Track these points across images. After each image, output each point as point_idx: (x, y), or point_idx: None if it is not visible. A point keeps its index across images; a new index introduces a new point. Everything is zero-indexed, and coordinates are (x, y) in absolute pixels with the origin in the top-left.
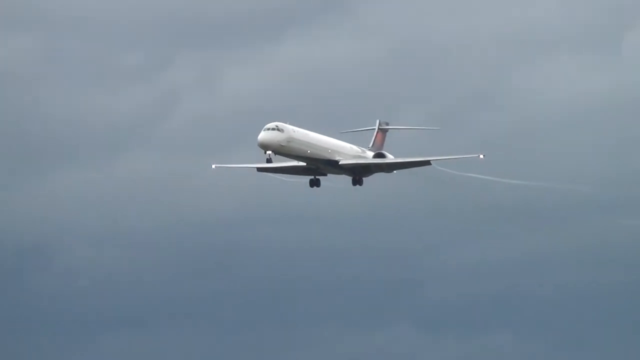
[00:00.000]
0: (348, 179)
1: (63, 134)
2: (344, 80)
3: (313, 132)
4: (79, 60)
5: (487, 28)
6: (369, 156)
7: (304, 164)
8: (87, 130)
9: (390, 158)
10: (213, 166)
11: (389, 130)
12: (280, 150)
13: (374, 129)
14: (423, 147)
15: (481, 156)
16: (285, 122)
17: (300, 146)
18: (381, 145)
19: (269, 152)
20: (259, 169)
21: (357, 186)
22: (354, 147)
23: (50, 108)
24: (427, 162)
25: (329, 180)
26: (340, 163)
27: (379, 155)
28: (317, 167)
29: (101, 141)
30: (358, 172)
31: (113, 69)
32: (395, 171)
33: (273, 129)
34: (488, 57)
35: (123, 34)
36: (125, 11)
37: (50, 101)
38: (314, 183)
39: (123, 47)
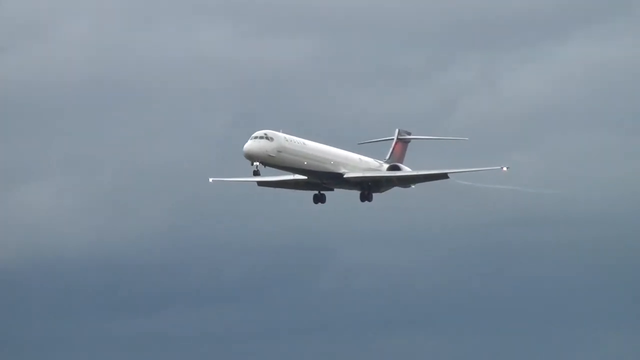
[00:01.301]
0: (356, 194)
1: (345, 134)
2: (628, 82)
3: (312, 142)
4: (360, 61)
5: None
6: (384, 169)
7: (304, 177)
8: (368, 131)
9: (405, 171)
10: (210, 180)
11: (411, 140)
12: (270, 162)
13: (392, 139)
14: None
15: (504, 169)
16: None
17: (295, 157)
18: (400, 157)
19: (256, 163)
20: (260, 183)
21: (366, 202)
22: (367, 159)
23: (333, 109)
24: (444, 176)
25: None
26: (345, 176)
27: (393, 167)
28: (321, 180)
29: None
30: (368, 187)
31: (394, 70)
32: (413, 186)
33: (261, 138)
34: None
35: (404, 35)
36: (406, 12)
37: (333, 102)
38: (319, 199)
39: (404, 48)
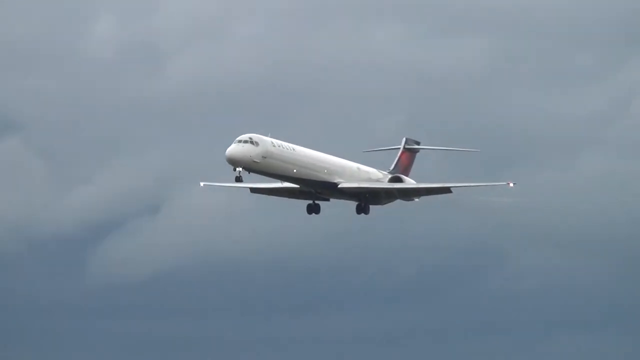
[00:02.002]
0: (353, 205)
1: (524, 134)
2: None
3: (304, 148)
4: (531, 60)
5: None
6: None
7: (297, 186)
8: (543, 130)
9: (407, 183)
10: (201, 184)
11: (419, 150)
12: (255, 168)
13: (399, 148)
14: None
15: (511, 184)
16: None
17: (283, 164)
18: (406, 168)
19: (239, 169)
20: (252, 190)
21: (363, 215)
22: (367, 169)
23: (505, 109)
24: (447, 190)
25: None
26: (339, 186)
27: (395, 179)
28: (314, 190)
29: (557, 141)
30: (365, 198)
31: (566, 69)
32: (416, 199)
33: (246, 142)
34: None
35: (576, 33)
36: (577, 10)
37: (504, 102)
38: (312, 209)
39: (576, 47)
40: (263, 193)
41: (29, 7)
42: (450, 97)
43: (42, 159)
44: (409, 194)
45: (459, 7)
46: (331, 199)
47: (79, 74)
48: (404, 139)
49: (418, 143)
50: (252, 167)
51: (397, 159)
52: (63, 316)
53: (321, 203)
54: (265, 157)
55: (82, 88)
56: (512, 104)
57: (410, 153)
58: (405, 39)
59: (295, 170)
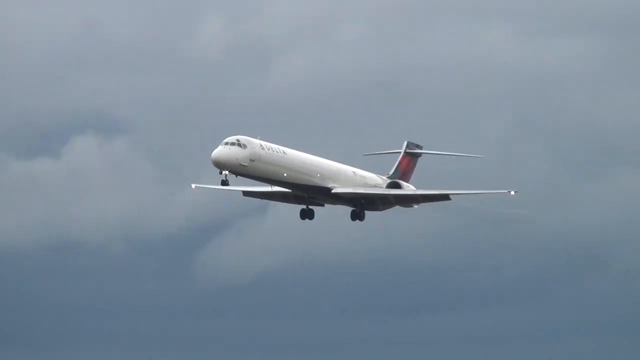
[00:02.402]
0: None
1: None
2: None
3: (296, 151)
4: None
5: None
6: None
7: (289, 190)
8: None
9: (405, 189)
10: (193, 186)
11: (421, 155)
12: (242, 172)
13: (399, 152)
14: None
15: (512, 192)
16: None
17: (272, 167)
18: (407, 174)
19: (225, 172)
20: (245, 193)
21: (357, 221)
22: (364, 174)
23: (613, 109)
24: (446, 197)
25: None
26: (333, 192)
27: (393, 184)
28: (307, 195)
29: None
30: (360, 204)
31: None
32: (415, 206)
33: (233, 144)
34: None
35: None
36: None
37: (613, 103)
38: (306, 214)
39: None
40: (256, 197)
41: (136, 9)
42: (559, 97)
43: (150, 161)
44: (405, 201)
45: (568, 7)
46: (326, 205)
47: (186, 75)
48: (405, 143)
49: (420, 147)
50: (240, 170)
51: (397, 163)
52: (172, 317)
53: (315, 208)
54: (253, 160)
55: (189, 89)
56: (620, 105)
57: (411, 157)
58: (513, 39)
59: (285, 174)
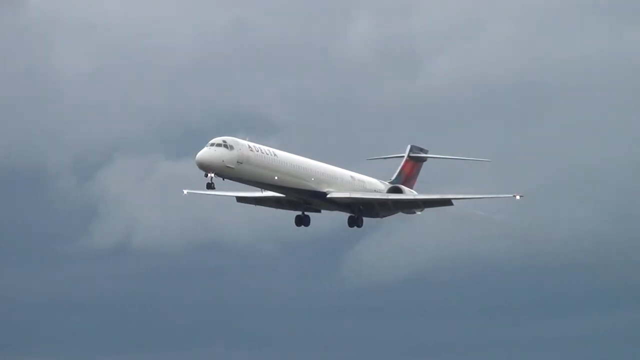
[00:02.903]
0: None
1: None
2: None
3: (288, 154)
4: None
5: None
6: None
7: (282, 195)
8: None
9: (407, 194)
10: (185, 192)
11: (426, 160)
12: (229, 174)
13: (403, 156)
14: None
15: (517, 197)
16: None
17: (261, 170)
18: (410, 179)
19: (210, 175)
20: (239, 199)
21: (355, 228)
22: (363, 178)
23: None
24: (449, 202)
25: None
26: (328, 196)
27: (394, 189)
28: (301, 200)
29: None
30: (359, 210)
31: None
32: (419, 212)
33: (218, 145)
34: None
35: None
36: None
37: None
38: (301, 221)
39: None
40: (250, 202)
41: (287, 10)
42: None
43: None
44: (405, 206)
45: None
46: (322, 211)
47: (336, 76)
48: (409, 147)
49: (425, 151)
50: (226, 173)
51: (399, 168)
52: (315, 317)
53: (312, 215)
54: (240, 163)
55: (339, 90)
56: None
57: (415, 162)
58: None
59: (276, 178)
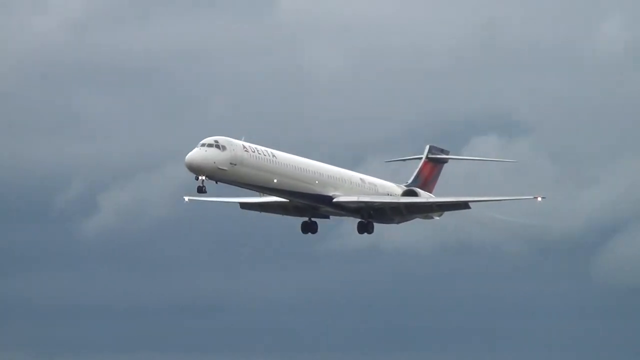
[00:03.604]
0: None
1: None
2: None
3: (289, 155)
4: None
5: None
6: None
7: (286, 200)
8: None
9: (420, 198)
10: (186, 199)
11: (447, 161)
12: (221, 177)
13: (421, 157)
14: None
15: (539, 198)
16: None
17: (258, 172)
18: (429, 181)
19: (201, 177)
20: (243, 205)
21: (365, 234)
22: (375, 181)
23: None
24: (466, 205)
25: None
26: (334, 200)
27: (409, 193)
28: (306, 204)
29: None
30: (369, 215)
31: None
32: (437, 217)
33: (210, 146)
34: None
35: None
36: None
37: None
38: (308, 227)
39: None
40: (254, 209)
41: (535, 9)
42: None
43: (552, 161)
44: (419, 210)
45: None
46: (331, 217)
47: (586, 75)
48: (427, 147)
49: (446, 152)
50: (218, 175)
51: (417, 170)
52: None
53: (319, 221)
54: (234, 164)
55: (589, 89)
56: None
57: (434, 164)
58: None
59: (276, 181)
